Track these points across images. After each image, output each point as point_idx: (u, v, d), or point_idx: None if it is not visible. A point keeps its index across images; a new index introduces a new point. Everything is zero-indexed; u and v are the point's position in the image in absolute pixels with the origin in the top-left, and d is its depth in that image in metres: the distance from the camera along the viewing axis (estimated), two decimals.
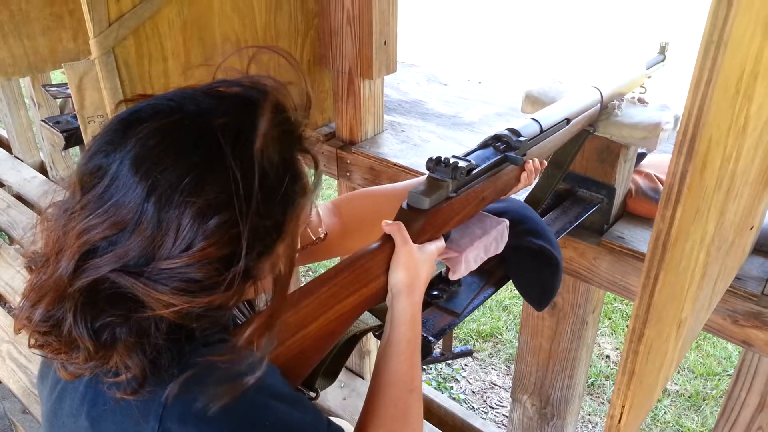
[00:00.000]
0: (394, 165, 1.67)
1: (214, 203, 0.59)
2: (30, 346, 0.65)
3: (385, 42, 1.65)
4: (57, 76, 3.67)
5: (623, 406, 0.70)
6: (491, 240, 0.98)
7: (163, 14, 1.29)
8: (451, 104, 2.06)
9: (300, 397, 0.70)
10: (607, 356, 2.80)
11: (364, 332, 0.95)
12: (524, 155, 1.01)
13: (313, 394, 0.85)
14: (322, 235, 0.82)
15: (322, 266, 3.23)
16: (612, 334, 2.94)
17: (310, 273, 3.31)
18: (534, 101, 1.31)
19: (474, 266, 0.97)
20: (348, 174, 1.81)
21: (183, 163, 0.59)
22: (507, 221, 1.00)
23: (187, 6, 1.34)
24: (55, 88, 2.45)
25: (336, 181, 1.89)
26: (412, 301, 0.82)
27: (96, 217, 0.59)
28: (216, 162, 0.59)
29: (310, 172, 0.69)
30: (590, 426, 2.46)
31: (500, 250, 1.00)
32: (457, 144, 1.78)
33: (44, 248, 0.65)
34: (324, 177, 3.50)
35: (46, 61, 2.24)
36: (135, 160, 0.59)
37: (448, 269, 0.98)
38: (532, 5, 9.10)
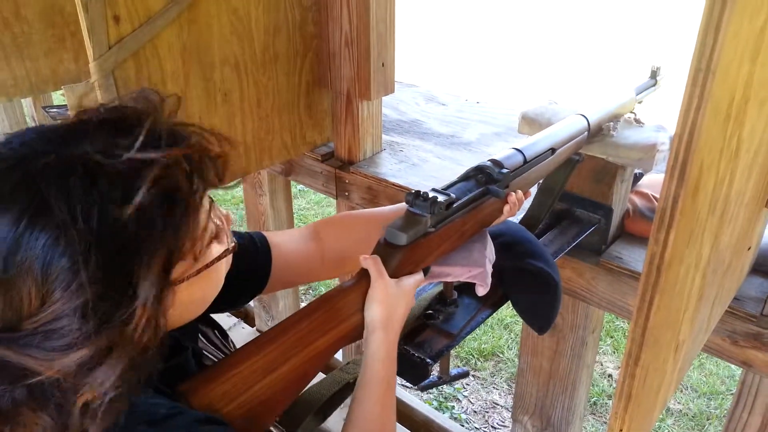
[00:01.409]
0: (393, 185, 1.68)
1: (51, 262, 0.53)
2: None
3: (382, 64, 1.66)
4: (58, 97, 3.70)
5: (621, 430, 0.69)
6: (490, 249, 0.98)
7: (163, 37, 1.30)
8: (449, 124, 2.07)
9: None
10: (610, 375, 2.78)
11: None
12: (507, 186, 0.99)
13: None
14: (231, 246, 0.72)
15: (324, 285, 3.22)
16: (614, 352, 2.92)
17: (311, 291, 3.30)
18: (530, 122, 1.32)
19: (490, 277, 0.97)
20: (347, 193, 1.81)
21: (6, 217, 0.53)
22: (485, 230, 1.00)
23: (187, 29, 1.35)
24: (55, 110, 2.47)
25: (335, 201, 1.89)
26: (387, 338, 0.79)
27: None
28: (40, 213, 0.53)
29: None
30: None
31: (494, 256, 1.01)
32: (455, 163, 1.78)
33: None
34: (323, 196, 3.48)
35: (48, 82, 2.25)
36: None
37: (446, 290, 0.98)
38: (530, 25, 9.19)
